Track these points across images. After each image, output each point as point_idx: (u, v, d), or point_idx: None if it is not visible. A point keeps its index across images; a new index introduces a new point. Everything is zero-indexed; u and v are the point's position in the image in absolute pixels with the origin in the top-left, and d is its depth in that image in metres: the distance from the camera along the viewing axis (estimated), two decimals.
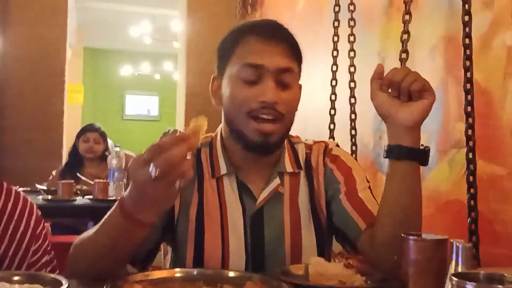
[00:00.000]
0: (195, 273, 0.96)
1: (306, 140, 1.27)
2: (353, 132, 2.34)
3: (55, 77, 4.22)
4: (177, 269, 0.97)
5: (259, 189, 1.15)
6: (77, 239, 1.02)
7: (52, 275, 0.88)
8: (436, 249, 0.88)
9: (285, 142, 1.21)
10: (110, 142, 5.46)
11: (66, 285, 0.83)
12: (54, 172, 3.51)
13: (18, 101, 4.10)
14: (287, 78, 1.10)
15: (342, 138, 2.49)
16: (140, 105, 9.64)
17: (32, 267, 1.09)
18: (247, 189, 1.15)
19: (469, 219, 1.56)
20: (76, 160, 3.47)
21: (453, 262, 0.74)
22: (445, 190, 1.85)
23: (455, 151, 1.83)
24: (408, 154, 1.03)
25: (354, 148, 2.35)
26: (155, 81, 9.24)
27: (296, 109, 1.16)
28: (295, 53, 1.14)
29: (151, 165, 0.78)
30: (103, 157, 3.52)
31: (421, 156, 1.05)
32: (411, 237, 0.90)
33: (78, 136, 3.57)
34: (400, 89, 1.02)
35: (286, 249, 1.13)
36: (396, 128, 1.04)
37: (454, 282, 0.58)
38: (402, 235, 0.91)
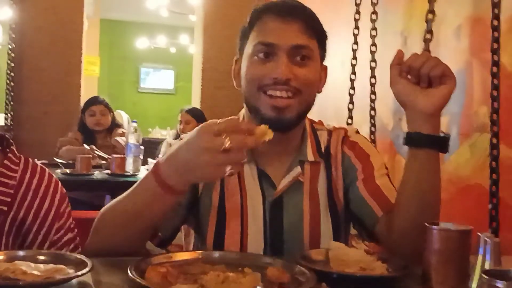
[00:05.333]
0: (216, 255, 0.96)
1: (327, 125, 1.25)
2: (372, 112, 2.32)
3: (72, 50, 4.21)
4: (199, 251, 0.97)
5: (279, 177, 1.14)
6: (104, 207, 1.01)
7: (76, 255, 0.89)
8: (460, 240, 0.87)
9: (308, 128, 1.19)
10: (126, 116, 5.50)
11: (90, 266, 0.84)
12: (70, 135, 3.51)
13: (36, 73, 4.11)
14: (303, 55, 1.08)
15: (361, 118, 2.47)
16: (155, 78, 9.64)
17: (55, 245, 1.10)
18: (267, 176, 1.14)
19: (490, 205, 1.54)
20: (87, 135, 3.46)
21: (480, 257, 0.73)
22: (465, 174, 1.83)
23: (477, 135, 1.80)
24: (428, 142, 1.02)
25: (373, 129, 2.33)
26: (170, 54, 9.20)
27: (316, 88, 1.14)
28: (314, 31, 1.11)
29: (225, 137, 0.81)
30: (111, 129, 3.53)
31: (440, 143, 1.03)
32: (434, 227, 0.89)
33: (83, 110, 3.54)
34: (420, 75, 1.01)
35: (305, 237, 1.12)
36: (415, 115, 1.02)
37: (484, 280, 0.57)
38: (426, 224, 0.91)
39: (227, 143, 0.80)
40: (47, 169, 1.18)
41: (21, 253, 0.90)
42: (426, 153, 1.02)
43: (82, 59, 4.29)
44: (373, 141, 2.30)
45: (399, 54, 1.04)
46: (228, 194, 1.13)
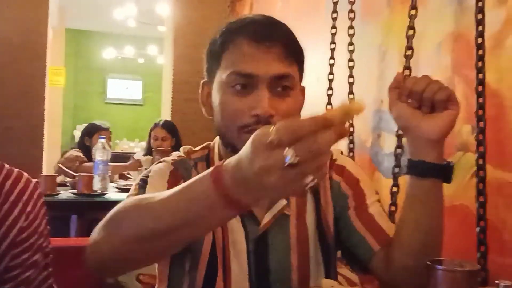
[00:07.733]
0: None
1: None
2: (351, 129, 2.26)
3: (36, 61, 4.03)
4: None
5: (262, 210, 1.03)
6: (123, 204, 0.79)
7: None
8: (467, 281, 0.80)
9: None
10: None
11: None
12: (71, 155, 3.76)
13: None
14: (285, 85, 0.97)
15: None
16: (123, 89, 9.43)
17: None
18: (249, 210, 1.02)
19: (478, 229, 1.49)
20: (87, 155, 3.71)
21: None
22: (449, 194, 1.76)
23: (461, 154, 1.75)
24: (432, 171, 0.94)
25: (351, 145, 2.26)
26: (138, 65, 9.02)
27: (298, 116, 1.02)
28: (294, 54, 1.00)
29: (287, 149, 0.60)
30: None
31: (445, 172, 0.96)
32: (439, 267, 0.82)
33: (90, 134, 3.89)
34: (422, 99, 0.94)
35: (293, 277, 1.02)
36: (418, 142, 0.96)
37: None
38: (428, 263, 0.83)
39: (293, 157, 0.60)
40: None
41: None
42: (429, 183, 0.95)
43: (47, 71, 4.11)
44: (352, 158, 2.23)
45: (398, 77, 0.97)
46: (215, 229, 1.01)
